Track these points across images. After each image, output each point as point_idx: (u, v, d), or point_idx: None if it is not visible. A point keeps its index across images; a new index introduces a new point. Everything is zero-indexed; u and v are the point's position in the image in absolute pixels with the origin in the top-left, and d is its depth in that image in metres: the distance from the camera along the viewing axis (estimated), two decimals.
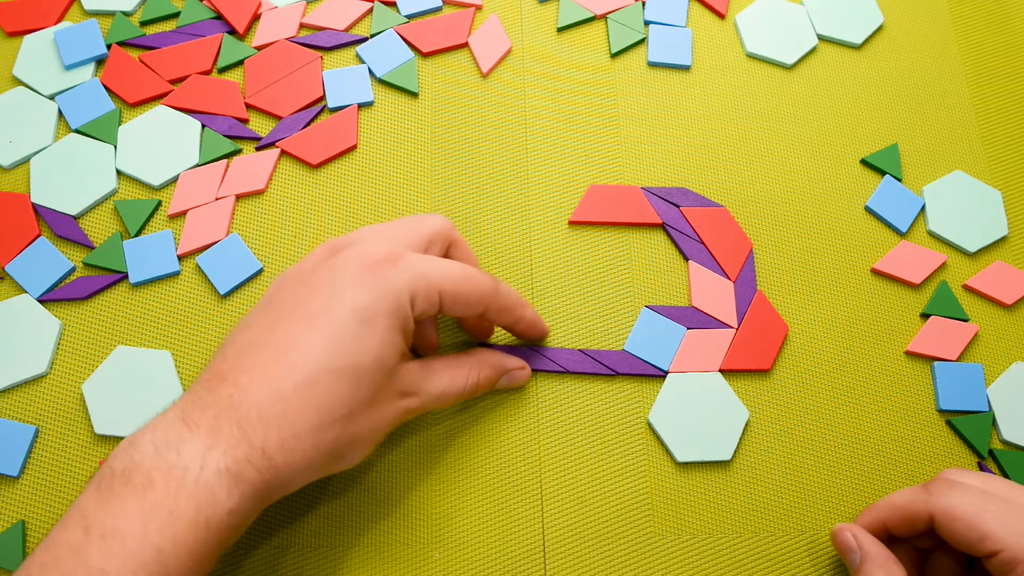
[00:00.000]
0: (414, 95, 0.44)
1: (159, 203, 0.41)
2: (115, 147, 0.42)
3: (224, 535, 0.26)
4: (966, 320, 0.40)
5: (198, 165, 0.42)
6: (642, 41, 0.46)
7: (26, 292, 0.39)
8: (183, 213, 0.41)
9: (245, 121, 0.43)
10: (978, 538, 0.29)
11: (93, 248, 0.40)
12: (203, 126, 0.43)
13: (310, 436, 0.28)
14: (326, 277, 0.30)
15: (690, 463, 0.37)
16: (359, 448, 0.30)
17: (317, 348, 0.28)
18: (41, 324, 0.38)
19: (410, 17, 0.46)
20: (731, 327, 0.39)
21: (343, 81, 0.44)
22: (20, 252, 0.39)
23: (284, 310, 0.30)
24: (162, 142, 0.42)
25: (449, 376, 0.33)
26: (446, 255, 0.34)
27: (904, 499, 0.32)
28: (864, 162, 0.44)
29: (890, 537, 0.33)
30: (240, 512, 0.27)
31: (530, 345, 0.39)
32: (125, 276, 0.39)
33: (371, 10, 0.46)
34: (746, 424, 0.38)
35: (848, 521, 0.36)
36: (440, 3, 0.46)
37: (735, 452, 0.37)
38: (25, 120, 0.42)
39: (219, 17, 0.45)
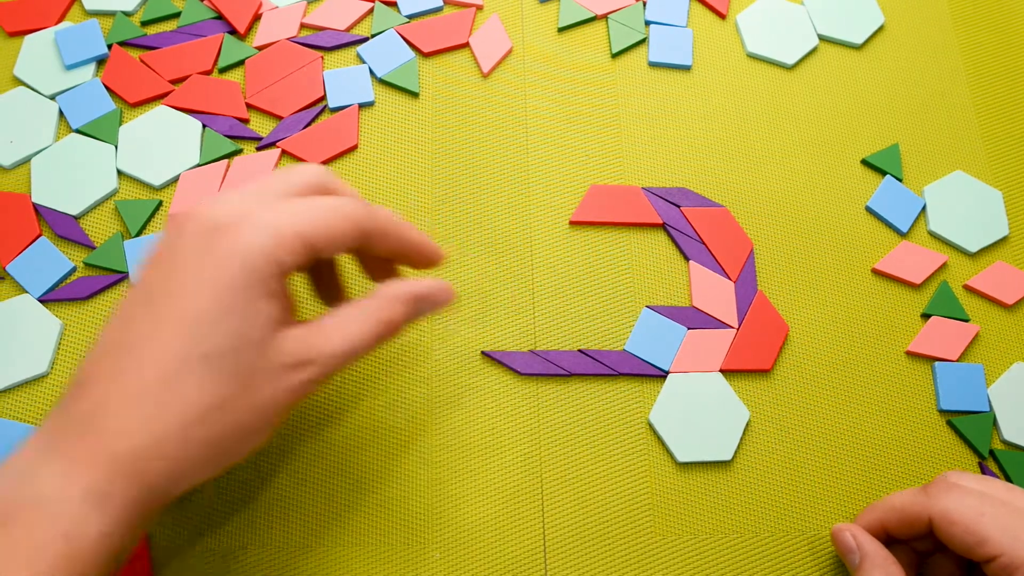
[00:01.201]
0: (415, 95, 0.44)
1: (160, 203, 0.41)
2: (116, 147, 0.42)
3: (103, 559, 0.24)
4: (967, 320, 0.40)
5: (199, 165, 0.42)
6: (643, 41, 0.46)
7: (27, 292, 0.39)
8: None
9: (246, 121, 0.43)
10: (976, 542, 0.29)
11: (94, 248, 0.40)
12: (204, 126, 0.43)
13: (175, 438, 0.25)
14: (169, 257, 0.27)
15: (691, 463, 0.37)
16: (250, 437, 0.27)
17: (167, 340, 0.25)
18: (42, 324, 0.38)
19: (411, 17, 0.46)
20: (732, 327, 0.39)
21: (344, 81, 0.44)
22: (21, 252, 0.39)
23: (136, 301, 0.27)
24: (163, 142, 0.42)
25: (348, 329, 0.28)
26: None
27: (903, 501, 0.32)
28: (865, 162, 0.44)
29: (889, 538, 0.33)
30: (116, 533, 0.25)
31: (531, 349, 0.39)
32: (126, 276, 0.39)
33: (372, 10, 0.46)
34: (747, 424, 0.38)
35: (848, 521, 0.36)
36: (441, 3, 0.46)
37: (736, 452, 0.37)
38: (26, 120, 0.42)
39: (220, 17, 0.45)
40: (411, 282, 0.31)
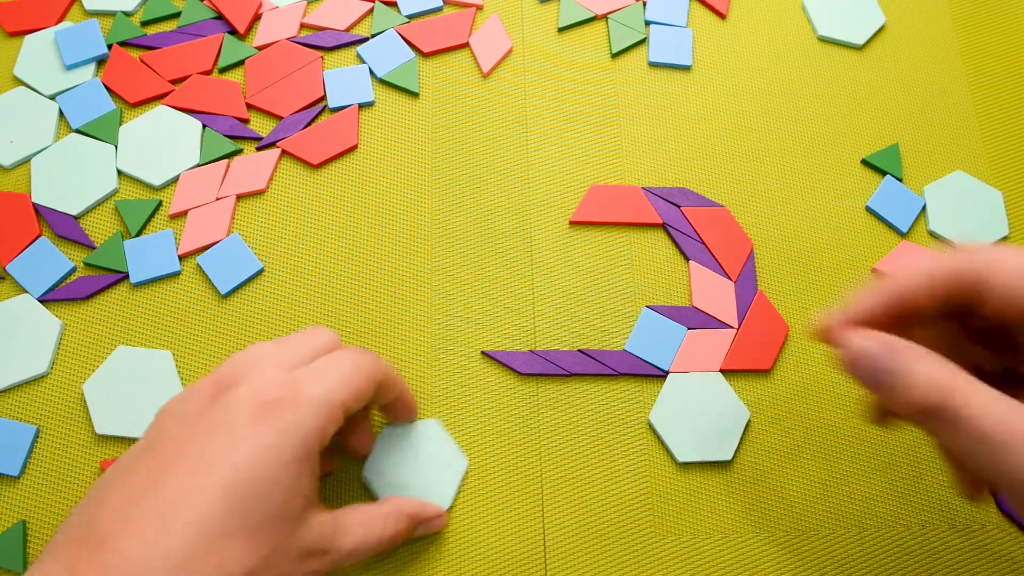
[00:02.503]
0: (415, 95, 0.44)
1: (160, 203, 0.41)
2: (116, 147, 0.42)
3: None
4: None
5: (199, 165, 0.42)
6: (643, 41, 0.46)
7: (27, 292, 0.39)
8: (184, 213, 0.41)
9: (246, 121, 0.43)
10: None
11: (94, 248, 0.40)
12: (204, 126, 0.43)
13: None
14: (220, 420, 0.27)
15: (691, 463, 0.37)
16: None
17: (212, 505, 0.25)
18: (42, 324, 0.38)
19: (411, 17, 0.46)
20: (732, 327, 0.39)
21: (344, 81, 0.44)
22: (21, 252, 0.39)
23: (172, 456, 0.27)
24: (163, 142, 0.42)
25: (363, 529, 0.30)
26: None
27: (936, 265, 0.26)
28: (865, 162, 0.44)
29: (902, 323, 0.27)
30: None
31: (530, 349, 0.39)
32: (126, 276, 0.39)
33: (372, 10, 0.46)
34: (747, 424, 0.38)
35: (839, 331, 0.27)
36: (441, 3, 0.46)
37: (736, 452, 0.37)
38: (26, 120, 0.42)
39: (220, 17, 0.45)
40: (421, 505, 0.34)
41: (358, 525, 0.30)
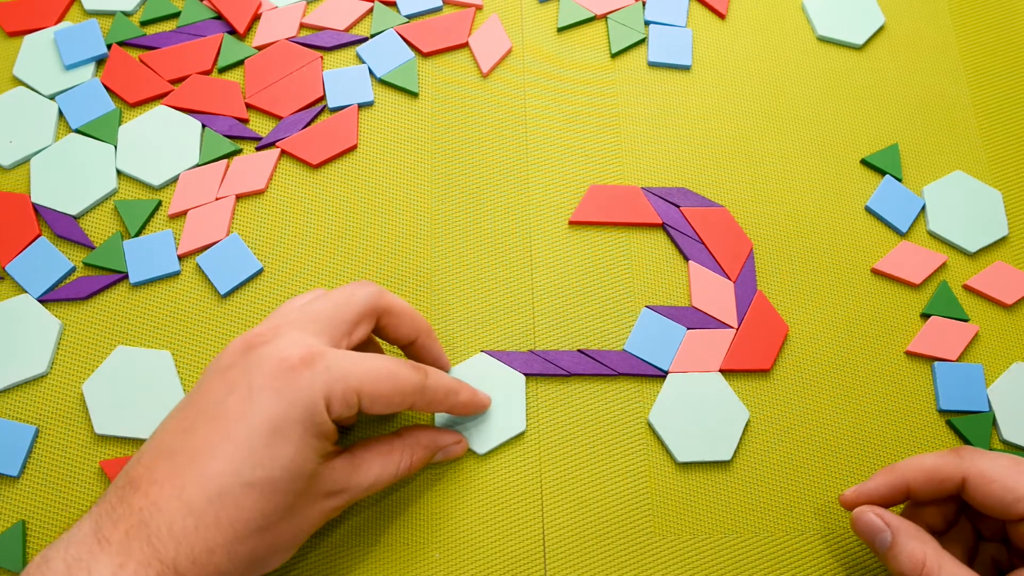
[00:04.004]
0: (414, 95, 0.44)
1: (159, 203, 0.41)
2: (115, 147, 0.42)
3: None
4: (966, 320, 0.40)
5: (198, 165, 0.42)
6: (642, 41, 0.46)
7: (26, 292, 0.39)
8: (183, 213, 0.41)
9: (245, 121, 0.43)
10: (1015, 499, 0.29)
11: (93, 248, 0.40)
12: (203, 126, 0.43)
13: (223, 550, 0.27)
14: (241, 377, 0.29)
15: (690, 463, 0.37)
16: (280, 554, 0.30)
17: (230, 458, 0.27)
18: (41, 324, 0.38)
19: (410, 17, 0.46)
20: (731, 327, 0.39)
21: (343, 81, 0.44)
22: (20, 252, 0.39)
23: (200, 410, 0.29)
24: (162, 142, 0.42)
25: (380, 464, 0.32)
26: (380, 325, 0.33)
27: (933, 462, 0.31)
28: (864, 162, 0.44)
29: (910, 503, 0.33)
30: None
31: (529, 350, 0.39)
32: (125, 276, 0.39)
33: (371, 10, 0.46)
34: (746, 424, 0.38)
35: (854, 502, 0.34)
36: (440, 3, 0.46)
37: (735, 452, 0.37)
38: (25, 120, 0.42)
39: (219, 17, 0.45)
40: (438, 432, 0.35)
41: (374, 461, 0.32)
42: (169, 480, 0.27)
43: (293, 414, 0.28)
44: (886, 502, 0.33)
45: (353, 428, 0.37)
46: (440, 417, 0.37)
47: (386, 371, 0.30)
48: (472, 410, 0.36)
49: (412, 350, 0.36)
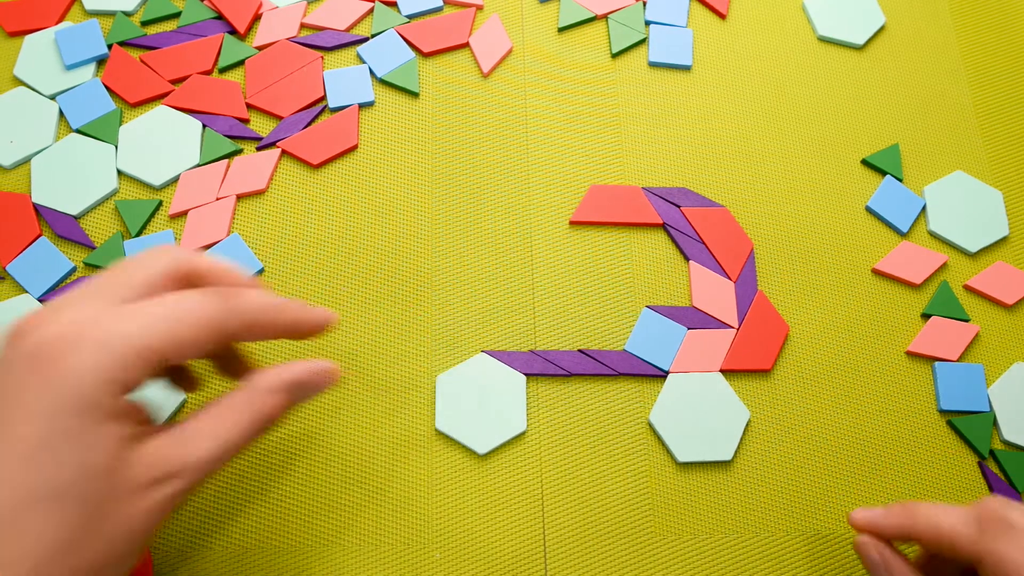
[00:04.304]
0: (415, 95, 0.44)
1: (160, 203, 0.41)
2: (116, 147, 0.42)
3: None
4: (967, 320, 0.40)
5: (199, 165, 0.42)
6: (643, 41, 0.46)
7: (27, 292, 0.39)
8: (184, 213, 0.41)
9: (246, 121, 0.43)
10: None
11: (94, 248, 0.40)
12: (204, 126, 0.43)
13: None
14: (5, 376, 0.24)
15: (691, 463, 0.37)
16: (117, 564, 0.24)
17: (8, 474, 0.23)
18: None
19: (411, 17, 0.46)
20: (732, 327, 0.39)
21: (344, 81, 0.44)
22: (21, 252, 0.39)
23: None
24: (163, 142, 0.42)
25: (217, 431, 0.26)
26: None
27: (951, 526, 0.29)
28: (865, 162, 0.44)
29: (922, 549, 0.32)
30: None
31: (530, 349, 0.39)
32: None
33: (372, 10, 0.46)
34: (747, 424, 0.38)
35: (861, 528, 0.34)
36: (441, 3, 0.46)
37: (736, 452, 0.37)
38: (26, 120, 0.42)
39: (220, 17, 0.45)
40: (285, 368, 0.28)
41: (209, 426, 0.26)
42: None
43: (67, 407, 0.23)
44: (894, 539, 0.32)
45: (199, 386, 0.32)
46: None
47: (170, 313, 0.25)
48: (312, 326, 0.29)
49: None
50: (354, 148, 0.43)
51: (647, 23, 0.46)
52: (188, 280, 0.27)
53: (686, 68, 0.45)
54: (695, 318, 0.39)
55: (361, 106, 0.44)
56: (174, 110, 0.43)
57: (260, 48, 0.45)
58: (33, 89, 0.43)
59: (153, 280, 0.26)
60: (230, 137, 0.43)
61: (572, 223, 0.42)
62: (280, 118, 0.43)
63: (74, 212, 0.41)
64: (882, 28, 0.47)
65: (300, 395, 0.29)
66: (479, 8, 0.46)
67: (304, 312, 0.29)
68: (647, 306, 0.40)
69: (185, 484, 0.25)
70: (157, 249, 0.27)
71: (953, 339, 0.40)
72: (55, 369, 0.24)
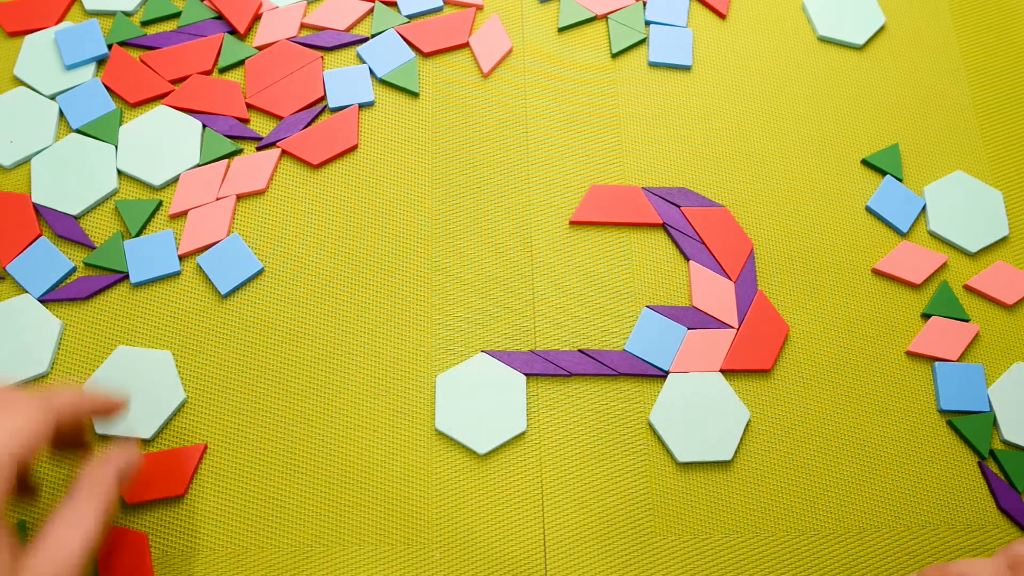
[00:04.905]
0: (415, 95, 0.44)
1: (160, 203, 0.41)
2: (116, 147, 0.42)
3: None
4: (967, 320, 0.40)
5: (199, 165, 0.42)
6: (643, 41, 0.46)
7: (27, 292, 0.39)
8: (184, 213, 0.41)
9: (246, 121, 0.43)
10: None
11: (94, 248, 0.40)
12: (204, 126, 0.43)
13: None
14: None
15: (691, 463, 0.37)
16: None
17: None
18: (42, 324, 0.38)
19: (411, 17, 0.46)
20: (732, 327, 0.39)
21: (344, 81, 0.44)
22: (21, 252, 0.39)
23: None
24: (163, 142, 0.42)
25: (61, 534, 0.27)
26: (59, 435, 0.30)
27: None
28: (865, 162, 0.44)
29: None
30: None
31: (530, 349, 0.39)
32: (126, 276, 0.39)
33: (372, 10, 0.46)
34: (747, 424, 0.38)
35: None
36: (441, 3, 0.46)
37: (736, 452, 0.37)
38: (26, 120, 0.42)
39: (220, 17, 0.45)
40: (106, 460, 0.31)
41: (51, 532, 0.27)
42: None
43: None
44: None
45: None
46: None
47: (20, 420, 0.27)
48: (114, 406, 0.32)
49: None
50: (354, 148, 0.43)
51: (647, 23, 0.46)
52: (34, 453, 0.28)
53: (686, 68, 0.45)
54: (695, 318, 0.39)
55: (361, 106, 0.44)
56: (174, 110, 0.43)
57: (260, 48, 0.45)
58: (33, 89, 0.43)
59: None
60: (230, 137, 0.43)
61: (572, 223, 0.42)
62: (280, 118, 0.43)
63: (74, 212, 0.41)
64: (882, 28, 0.47)
65: (125, 475, 0.31)
66: (479, 8, 0.46)
67: (106, 397, 0.32)
68: (647, 306, 0.40)
69: None
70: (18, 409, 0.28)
71: (953, 339, 0.40)
72: None
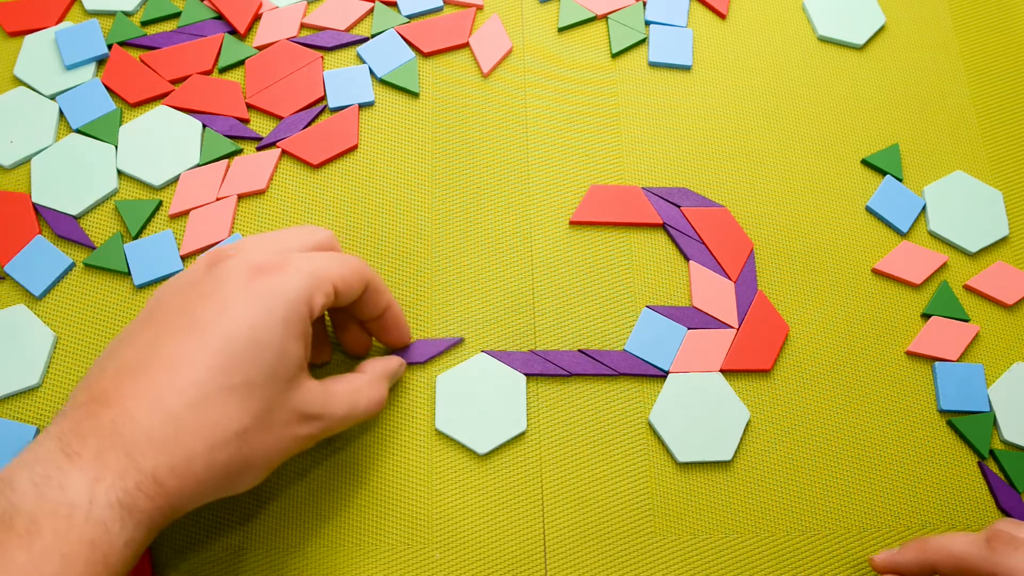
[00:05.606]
0: (415, 95, 0.44)
1: (160, 203, 0.41)
2: (116, 147, 0.42)
3: (122, 567, 0.25)
4: (967, 320, 0.40)
5: (199, 165, 0.42)
6: (643, 41, 0.46)
7: (25, 293, 0.39)
8: (184, 213, 0.41)
9: (246, 121, 0.43)
10: None
11: (94, 248, 0.40)
12: (204, 126, 0.43)
13: (202, 458, 0.26)
14: (211, 288, 0.28)
15: (691, 463, 0.37)
16: (252, 472, 0.28)
17: (209, 364, 0.27)
18: (35, 335, 0.38)
19: (411, 17, 0.46)
20: (732, 327, 0.39)
21: (344, 81, 0.44)
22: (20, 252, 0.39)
23: (169, 324, 0.28)
24: (163, 142, 0.42)
25: (350, 399, 0.32)
26: (362, 298, 0.34)
27: (962, 549, 0.31)
28: (865, 162, 0.44)
29: None
30: (136, 541, 0.25)
31: (529, 349, 0.39)
32: (125, 276, 0.39)
33: (372, 10, 0.46)
34: (747, 424, 0.38)
35: (882, 570, 0.34)
36: (441, 3, 0.46)
37: (736, 452, 0.37)
38: (26, 120, 0.42)
39: (220, 17, 0.45)
40: (385, 360, 0.35)
41: (347, 393, 0.31)
42: (145, 390, 0.26)
43: (273, 315, 0.28)
44: (914, 574, 0.33)
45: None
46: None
47: (343, 259, 0.31)
48: (400, 330, 0.36)
49: (378, 323, 0.35)
50: (354, 148, 0.43)
51: (647, 23, 0.46)
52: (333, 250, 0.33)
53: (686, 68, 0.45)
54: (695, 318, 0.39)
55: (361, 106, 0.44)
56: (174, 110, 0.43)
57: (260, 48, 0.45)
58: (33, 89, 0.43)
59: (316, 245, 0.32)
60: (230, 137, 0.43)
61: (572, 223, 0.42)
62: (280, 118, 0.43)
63: (74, 212, 0.41)
64: (882, 28, 0.47)
65: (393, 382, 0.36)
66: (479, 8, 0.46)
67: (402, 313, 0.36)
68: (647, 306, 0.40)
69: (321, 429, 0.30)
70: (315, 227, 0.33)
71: (953, 339, 0.40)
72: (272, 283, 0.28)
